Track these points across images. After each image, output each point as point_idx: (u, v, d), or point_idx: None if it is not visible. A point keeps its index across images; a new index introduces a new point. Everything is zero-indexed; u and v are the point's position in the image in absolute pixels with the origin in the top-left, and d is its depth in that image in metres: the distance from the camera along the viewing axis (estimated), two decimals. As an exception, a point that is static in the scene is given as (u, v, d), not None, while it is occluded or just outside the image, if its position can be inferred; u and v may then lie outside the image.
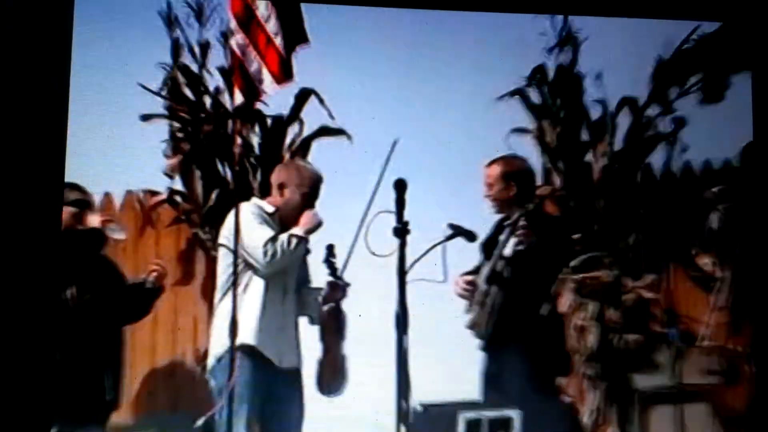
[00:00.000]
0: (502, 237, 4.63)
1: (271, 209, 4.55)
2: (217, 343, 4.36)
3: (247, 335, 4.34)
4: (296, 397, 4.43)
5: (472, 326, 4.59)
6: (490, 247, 4.66)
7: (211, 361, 4.37)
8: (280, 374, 4.39)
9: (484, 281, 4.61)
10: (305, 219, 4.45)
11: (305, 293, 4.55)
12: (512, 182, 4.68)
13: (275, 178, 4.63)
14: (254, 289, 4.43)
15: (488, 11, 4.83)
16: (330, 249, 4.50)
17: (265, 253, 4.36)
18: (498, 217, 4.74)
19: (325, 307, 4.52)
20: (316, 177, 4.59)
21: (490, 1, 4.79)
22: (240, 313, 4.32)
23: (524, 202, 4.64)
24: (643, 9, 4.88)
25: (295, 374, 4.45)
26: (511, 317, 4.54)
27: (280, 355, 4.40)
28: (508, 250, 4.59)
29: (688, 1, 4.92)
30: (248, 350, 4.33)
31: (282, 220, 4.54)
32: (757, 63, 4.88)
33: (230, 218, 4.43)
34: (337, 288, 4.51)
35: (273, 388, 4.36)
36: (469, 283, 4.62)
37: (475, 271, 4.65)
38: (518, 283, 4.57)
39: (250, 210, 4.46)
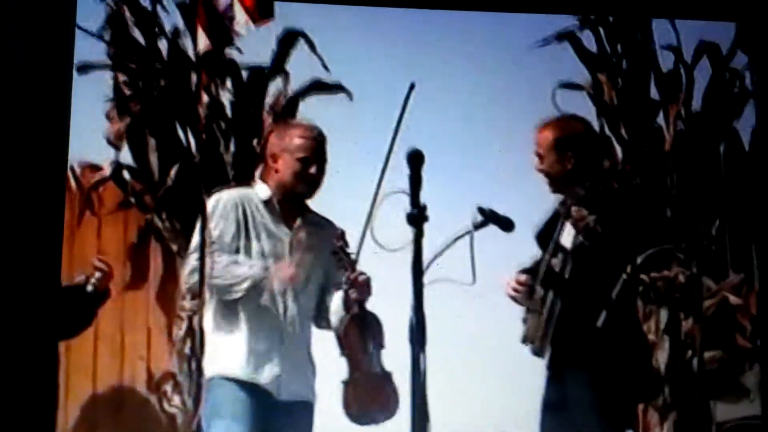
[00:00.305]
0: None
1: (264, 195, 4.42)
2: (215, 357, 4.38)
3: (229, 361, 4.29)
4: None
5: (525, 340, 4.52)
6: (546, 238, 4.59)
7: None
8: (281, 408, 4.31)
9: (539, 283, 4.54)
10: (282, 272, 4.38)
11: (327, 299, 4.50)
12: (569, 152, 4.54)
13: (267, 147, 4.53)
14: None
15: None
16: (341, 236, 4.39)
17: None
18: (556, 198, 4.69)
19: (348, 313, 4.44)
20: (309, 132, 4.48)
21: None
22: (219, 331, 4.31)
23: (584, 178, 4.53)
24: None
25: (300, 408, 4.37)
26: (572, 329, 4.46)
27: (279, 384, 4.31)
28: (567, 243, 4.50)
29: None
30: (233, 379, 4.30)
31: (282, 205, 4.43)
32: None
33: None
34: (359, 283, 4.37)
35: (271, 424, 4.30)
36: (521, 283, 4.53)
37: (534, 269, 4.60)
38: (581, 286, 4.47)
39: (215, 202, 4.39)
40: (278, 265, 4.37)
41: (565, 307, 4.46)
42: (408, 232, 3.78)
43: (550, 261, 4.51)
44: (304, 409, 4.37)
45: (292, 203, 4.43)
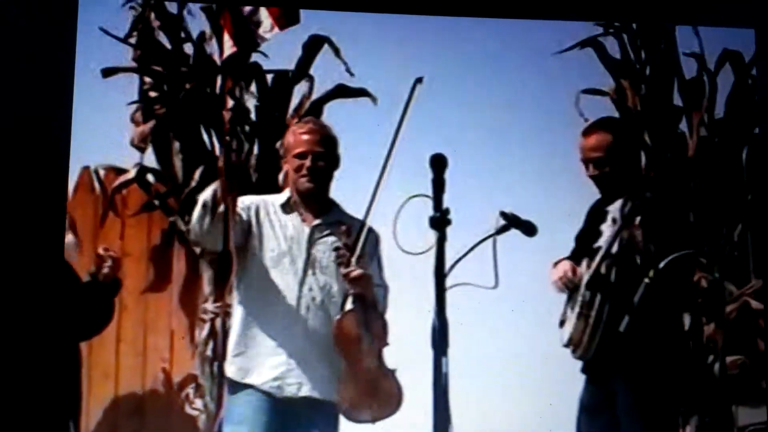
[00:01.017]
0: (605, 229, 4.52)
1: (282, 199, 4.42)
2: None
3: (254, 370, 4.28)
4: None
5: (569, 343, 4.48)
6: (587, 240, 4.57)
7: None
8: (288, 407, 4.27)
9: (585, 287, 4.51)
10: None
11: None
12: (619, 156, 4.57)
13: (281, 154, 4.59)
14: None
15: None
16: (345, 231, 4.34)
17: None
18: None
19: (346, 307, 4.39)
20: (305, 128, 4.47)
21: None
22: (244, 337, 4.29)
23: (628, 181, 4.54)
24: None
25: (323, 407, 4.32)
26: (616, 334, 4.44)
27: (281, 384, 4.27)
28: (614, 248, 4.49)
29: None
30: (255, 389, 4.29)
31: (300, 206, 4.41)
32: None
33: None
34: (353, 278, 4.31)
35: (286, 425, 4.26)
36: (575, 274, 4.52)
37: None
38: (626, 290, 4.46)
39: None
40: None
41: (612, 312, 4.43)
42: (431, 235, 3.80)
43: (600, 264, 4.48)
44: (324, 407, 4.30)
45: (310, 203, 4.41)
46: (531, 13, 4.84)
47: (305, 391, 4.30)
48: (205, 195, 4.33)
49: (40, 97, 4.53)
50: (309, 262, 4.38)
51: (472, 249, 4.28)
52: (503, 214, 4.37)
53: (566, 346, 4.49)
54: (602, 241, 4.52)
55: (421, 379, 3.83)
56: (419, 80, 4.41)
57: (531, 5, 4.87)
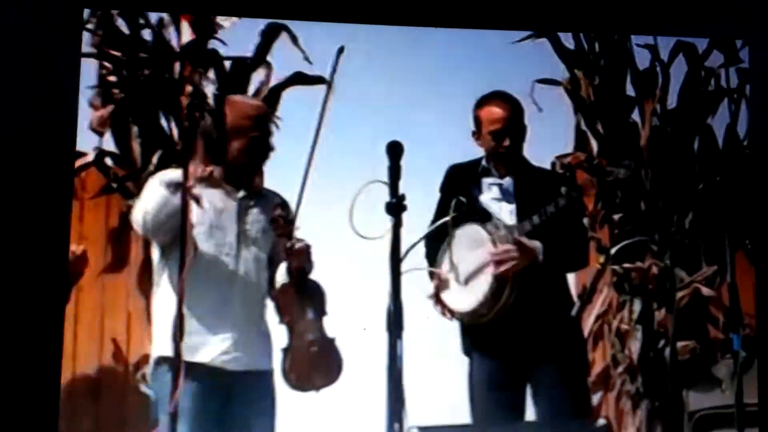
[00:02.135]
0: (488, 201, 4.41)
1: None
2: (158, 345, 4.17)
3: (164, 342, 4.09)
4: (263, 408, 4.21)
5: (470, 314, 4.35)
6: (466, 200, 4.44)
7: (149, 367, 4.20)
8: (235, 381, 4.17)
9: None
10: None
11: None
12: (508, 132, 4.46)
13: None
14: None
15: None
16: (280, 205, 4.24)
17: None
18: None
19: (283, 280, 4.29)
20: (238, 103, 4.37)
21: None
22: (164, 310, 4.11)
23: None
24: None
25: (257, 378, 4.23)
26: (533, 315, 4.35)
27: (232, 358, 4.17)
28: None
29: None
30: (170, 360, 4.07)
31: (223, 174, 4.26)
32: None
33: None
34: (297, 251, 4.21)
35: (230, 400, 4.15)
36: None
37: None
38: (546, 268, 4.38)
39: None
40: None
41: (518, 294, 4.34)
42: (387, 221, 3.76)
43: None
44: (263, 378, 4.23)
45: (235, 177, 4.29)
46: (485, 23, 4.83)
47: (248, 364, 4.21)
48: (171, 175, 4.12)
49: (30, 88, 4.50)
50: (240, 235, 4.32)
51: (427, 234, 4.31)
52: (458, 201, 4.37)
53: (460, 314, 4.37)
54: (493, 210, 4.39)
55: (375, 362, 3.89)
56: (341, 50, 4.37)
57: (486, 16, 4.81)
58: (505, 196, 4.43)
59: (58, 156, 4.42)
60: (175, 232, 3.98)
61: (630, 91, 5.12)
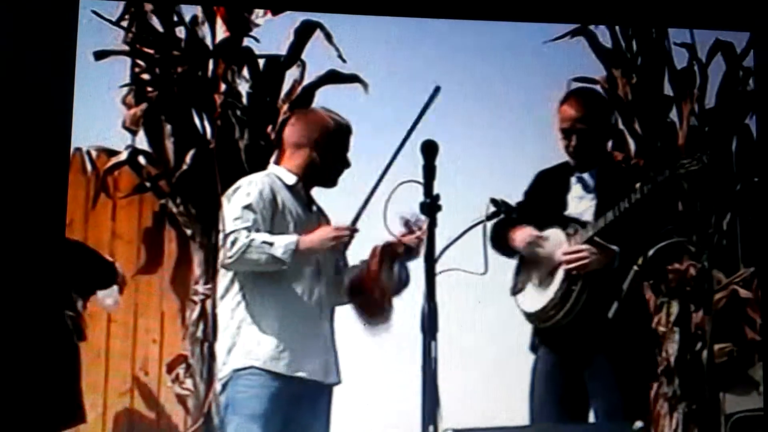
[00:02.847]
0: (572, 200, 4.47)
1: (292, 180, 4.33)
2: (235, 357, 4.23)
3: (259, 353, 4.18)
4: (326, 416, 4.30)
5: (539, 314, 4.41)
6: (552, 202, 4.51)
7: (225, 373, 4.24)
8: (308, 391, 4.23)
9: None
10: (317, 238, 4.25)
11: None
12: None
13: (290, 134, 4.43)
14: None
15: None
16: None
17: (228, 243, 4.19)
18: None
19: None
20: (340, 127, 4.41)
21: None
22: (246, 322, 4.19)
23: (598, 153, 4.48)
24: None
25: (324, 390, 4.31)
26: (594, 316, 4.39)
27: (321, 371, 4.25)
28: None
29: None
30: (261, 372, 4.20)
31: (305, 187, 4.35)
32: None
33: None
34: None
35: (295, 411, 4.21)
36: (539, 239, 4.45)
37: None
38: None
39: (248, 185, 4.26)
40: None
41: (588, 296, 4.38)
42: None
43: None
44: (329, 390, 4.29)
45: (309, 188, 4.39)
46: (524, 16, 4.86)
47: (322, 376, 4.26)
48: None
49: (40, 82, 4.55)
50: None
51: (462, 235, 4.31)
52: (493, 201, 4.37)
53: (531, 315, 4.42)
54: (573, 210, 4.45)
55: (410, 363, 3.91)
56: (438, 89, 4.34)
57: (524, 8, 4.86)
58: (588, 192, 4.46)
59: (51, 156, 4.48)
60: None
61: (668, 90, 5.08)
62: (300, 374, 4.20)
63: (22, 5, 4.55)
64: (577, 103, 4.48)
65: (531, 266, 4.47)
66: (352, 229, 4.28)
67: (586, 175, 4.47)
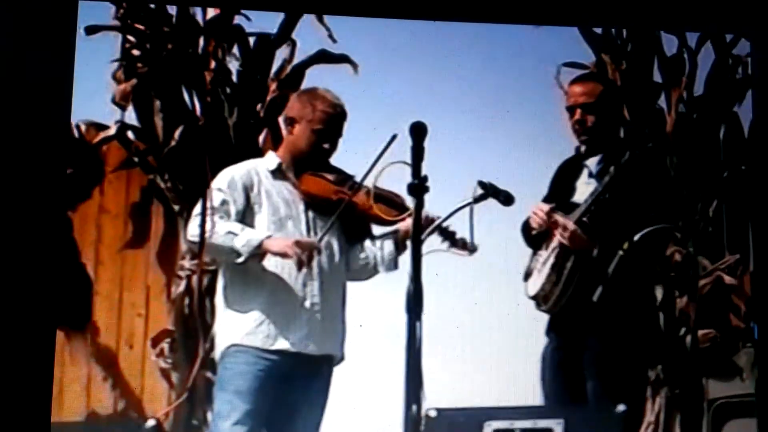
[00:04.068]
0: (580, 185, 4.55)
1: (273, 164, 4.40)
2: (232, 332, 4.30)
3: (244, 331, 4.26)
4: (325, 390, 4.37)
5: (538, 296, 4.49)
6: (562, 188, 4.60)
7: (219, 350, 4.31)
8: (301, 364, 4.30)
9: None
10: (279, 244, 4.30)
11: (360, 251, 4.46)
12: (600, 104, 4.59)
13: (286, 111, 4.52)
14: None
15: None
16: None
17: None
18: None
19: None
20: (335, 110, 4.44)
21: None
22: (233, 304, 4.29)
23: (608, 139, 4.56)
24: None
25: (322, 362, 4.36)
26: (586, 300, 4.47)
27: (307, 342, 4.31)
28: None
29: None
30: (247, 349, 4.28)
31: (293, 167, 4.41)
32: None
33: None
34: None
35: (289, 385, 4.29)
36: (549, 215, 4.50)
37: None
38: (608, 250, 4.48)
39: (225, 182, 4.35)
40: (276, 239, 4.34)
41: (585, 270, 4.44)
42: (409, 202, 3.91)
43: (581, 219, 4.48)
44: (326, 363, 4.34)
45: (299, 170, 4.42)
46: (509, 18, 4.83)
47: (326, 348, 4.32)
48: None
49: (37, 59, 4.53)
50: (309, 224, 4.43)
51: (449, 216, 4.34)
52: (481, 183, 4.40)
53: (532, 298, 4.49)
54: (579, 196, 4.52)
55: (395, 342, 3.79)
56: (394, 137, 4.33)
57: (517, 10, 4.86)
58: (590, 177, 4.50)
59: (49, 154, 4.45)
60: None
61: (657, 77, 5.06)
62: (278, 347, 4.25)
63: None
64: (587, 82, 4.57)
65: (538, 254, 4.54)
66: (314, 248, 4.32)
67: (592, 162, 4.53)
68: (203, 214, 4.28)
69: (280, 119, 4.55)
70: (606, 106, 4.55)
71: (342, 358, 4.38)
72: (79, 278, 4.59)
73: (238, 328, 4.25)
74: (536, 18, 4.81)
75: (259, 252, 4.26)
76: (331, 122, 4.41)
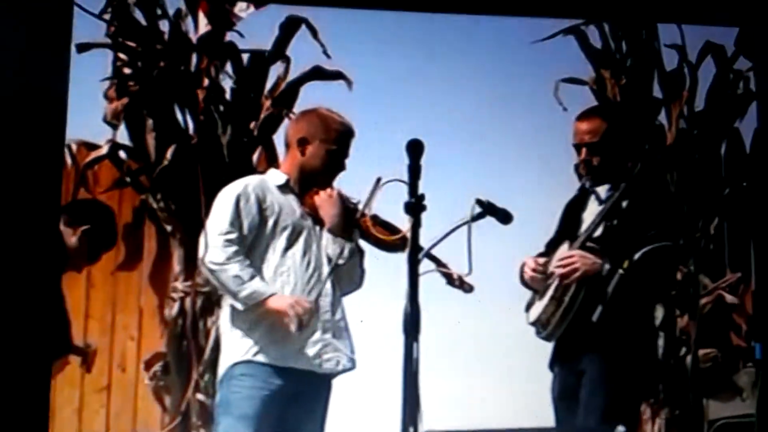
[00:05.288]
0: (587, 216, 4.39)
1: (281, 179, 4.32)
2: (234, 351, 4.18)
3: (251, 349, 4.12)
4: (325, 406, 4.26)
5: (536, 323, 4.36)
6: (570, 224, 4.44)
7: (223, 369, 4.19)
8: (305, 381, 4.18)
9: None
10: (280, 303, 4.17)
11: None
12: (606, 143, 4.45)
13: (294, 131, 4.38)
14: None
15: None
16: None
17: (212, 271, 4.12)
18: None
19: None
20: (346, 130, 4.39)
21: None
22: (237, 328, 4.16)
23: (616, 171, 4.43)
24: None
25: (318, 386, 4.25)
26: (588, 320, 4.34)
27: (321, 361, 4.17)
28: (598, 231, 4.35)
29: None
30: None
31: (300, 184, 4.28)
32: None
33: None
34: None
35: (289, 405, 4.16)
36: (542, 266, 4.34)
37: (547, 253, 4.44)
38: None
39: (236, 192, 4.17)
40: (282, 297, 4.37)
41: (587, 297, 4.32)
42: (405, 221, 3.93)
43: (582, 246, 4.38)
44: (330, 379, 4.23)
45: (304, 188, 4.44)
46: (512, 9, 4.86)
47: (343, 364, 4.23)
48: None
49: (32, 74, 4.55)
50: (315, 237, 4.44)
51: (446, 235, 4.38)
52: (479, 202, 4.37)
53: (533, 324, 4.40)
54: (585, 226, 4.40)
55: (392, 364, 3.92)
56: (379, 180, 4.21)
57: (515, 2, 4.89)
58: (599, 204, 4.49)
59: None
60: None
61: (657, 92, 5.12)
62: (290, 365, 4.25)
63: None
64: (589, 120, 4.52)
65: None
66: (308, 309, 4.33)
67: (601, 189, 4.52)
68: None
69: (288, 138, 4.39)
70: (611, 144, 4.56)
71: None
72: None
73: (247, 345, 4.24)
74: (533, 11, 4.77)
75: (262, 306, 4.28)
76: (345, 141, 4.42)
